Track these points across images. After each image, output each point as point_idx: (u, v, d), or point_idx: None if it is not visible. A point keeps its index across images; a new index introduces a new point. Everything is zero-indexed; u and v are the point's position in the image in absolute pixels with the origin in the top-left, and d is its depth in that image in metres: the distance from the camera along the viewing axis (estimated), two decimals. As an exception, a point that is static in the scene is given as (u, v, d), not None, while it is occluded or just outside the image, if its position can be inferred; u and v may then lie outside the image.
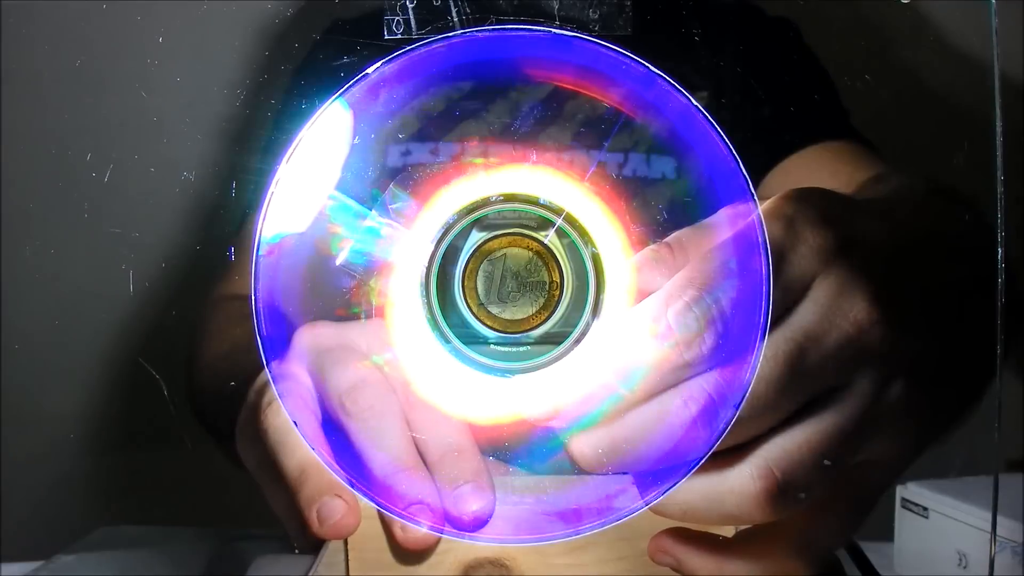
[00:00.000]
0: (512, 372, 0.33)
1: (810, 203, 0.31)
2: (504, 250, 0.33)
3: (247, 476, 0.38)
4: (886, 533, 0.49)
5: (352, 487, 0.32)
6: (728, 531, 0.34)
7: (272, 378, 0.31)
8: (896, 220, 0.36)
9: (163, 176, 0.56)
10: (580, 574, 0.35)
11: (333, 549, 0.35)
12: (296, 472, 0.34)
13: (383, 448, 0.33)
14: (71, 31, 0.60)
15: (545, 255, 0.33)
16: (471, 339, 0.33)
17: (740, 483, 0.29)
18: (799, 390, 0.29)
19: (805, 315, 0.29)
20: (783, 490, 0.29)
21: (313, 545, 0.34)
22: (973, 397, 0.36)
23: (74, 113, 0.60)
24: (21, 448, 0.58)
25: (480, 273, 0.33)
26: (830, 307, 0.30)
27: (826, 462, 0.31)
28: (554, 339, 0.33)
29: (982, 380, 0.36)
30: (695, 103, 0.30)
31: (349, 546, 0.36)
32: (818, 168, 0.54)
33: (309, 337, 0.35)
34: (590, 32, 0.31)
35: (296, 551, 0.35)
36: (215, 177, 0.57)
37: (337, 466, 0.32)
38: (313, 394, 0.34)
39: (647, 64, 0.30)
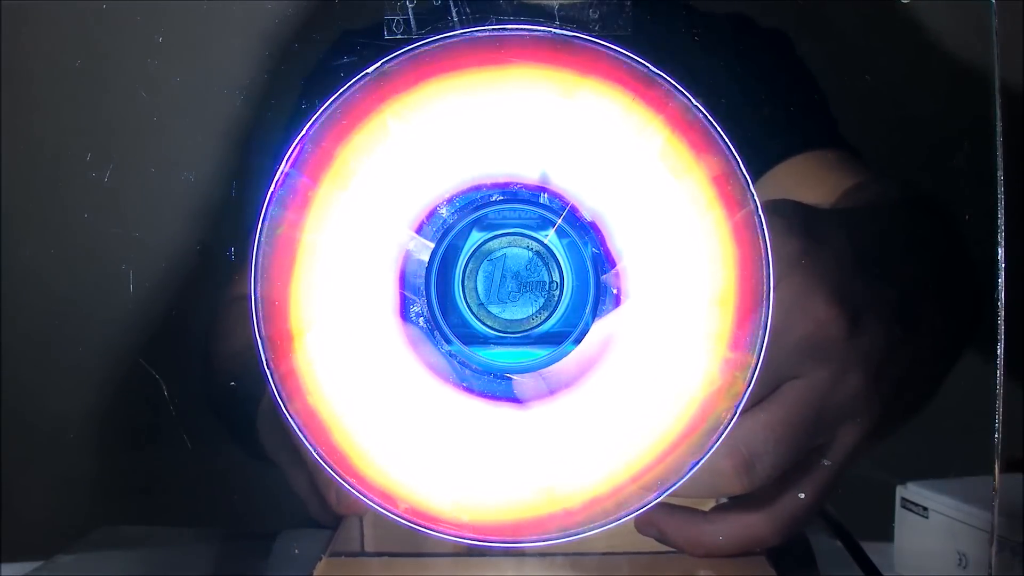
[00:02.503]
0: (512, 372, 0.33)
1: (777, 214, 0.34)
2: (504, 250, 0.33)
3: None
4: (886, 533, 0.49)
5: (339, 480, 0.32)
6: (706, 505, 0.37)
7: (271, 377, 0.32)
8: (863, 227, 0.40)
9: (163, 176, 0.56)
10: (574, 550, 0.36)
11: (349, 525, 0.38)
12: None
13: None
14: (71, 31, 0.60)
15: (545, 255, 0.33)
16: (471, 339, 0.33)
17: (713, 460, 0.31)
18: (763, 379, 0.32)
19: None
20: (750, 466, 0.33)
21: (332, 521, 0.38)
22: (930, 392, 0.41)
23: (74, 113, 0.60)
24: (21, 448, 0.58)
25: (480, 273, 0.33)
26: (792, 306, 0.33)
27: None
28: (554, 339, 0.33)
29: (939, 376, 0.41)
30: (695, 103, 0.30)
31: (364, 522, 0.39)
32: (805, 176, 0.56)
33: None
34: (590, 32, 0.31)
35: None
36: (216, 177, 0.57)
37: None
38: None
39: (647, 64, 0.30)
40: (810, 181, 0.55)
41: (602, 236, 0.32)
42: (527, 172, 0.32)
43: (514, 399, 0.32)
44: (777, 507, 0.35)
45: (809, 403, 0.34)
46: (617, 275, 0.32)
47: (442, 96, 0.31)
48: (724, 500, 0.37)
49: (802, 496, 0.36)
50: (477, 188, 0.32)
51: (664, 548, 0.36)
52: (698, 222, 0.30)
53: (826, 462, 0.36)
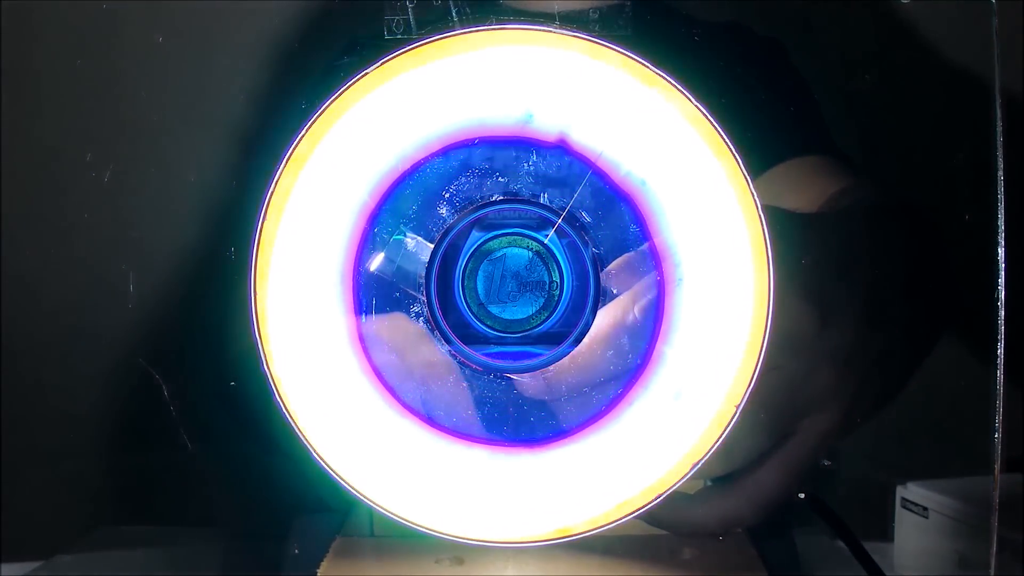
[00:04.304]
0: (512, 371, 0.33)
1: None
2: (504, 250, 0.33)
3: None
4: (886, 533, 0.49)
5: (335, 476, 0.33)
6: (691, 488, 0.38)
7: (270, 375, 0.32)
8: (841, 231, 0.43)
9: (163, 176, 0.56)
10: None
11: (360, 511, 0.40)
12: None
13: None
14: (71, 31, 0.60)
15: (545, 255, 0.33)
16: (471, 339, 0.33)
17: None
18: None
19: None
20: (728, 449, 0.34)
21: (344, 505, 0.40)
22: (899, 386, 0.43)
23: (74, 113, 0.60)
24: (21, 448, 0.58)
25: (480, 273, 0.33)
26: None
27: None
28: (554, 339, 0.33)
29: (907, 372, 0.44)
30: (695, 104, 0.30)
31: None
32: (795, 180, 0.57)
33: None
34: (590, 32, 0.31)
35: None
36: (216, 177, 0.57)
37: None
38: None
39: (647, 64, 0.30)
40: (800, 185, 0.56)
41: (634, 209, 0.31)
42: (546, 130, 0.31)
43: (484, 436, 0.33)
44: (754, 489, 0.38)
45: (783, 392, 0.36)
46: (612, 275, 0.32)
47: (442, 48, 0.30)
48: (708, 483, 0.39)
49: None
50: (468, 144, 0.32)
51: (653, 530, 0.38)
52: (736, 203, 0.31)
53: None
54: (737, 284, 0.31)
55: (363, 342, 0.34)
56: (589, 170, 0.31)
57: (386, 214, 0.32)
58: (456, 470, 0.32)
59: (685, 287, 0.31)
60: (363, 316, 0.34)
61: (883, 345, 0.41)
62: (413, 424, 0.32)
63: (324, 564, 0.37)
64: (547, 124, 0.31)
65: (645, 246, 0.32)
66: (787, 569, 0.42)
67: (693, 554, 0.38)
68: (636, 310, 0.32)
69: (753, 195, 0.30)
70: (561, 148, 0.31)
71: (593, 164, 0.31)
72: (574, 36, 0.30)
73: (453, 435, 0.32)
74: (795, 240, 0.37)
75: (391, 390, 0.33)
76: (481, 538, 0.32)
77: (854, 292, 0.39)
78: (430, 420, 0.33)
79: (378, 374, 0.33)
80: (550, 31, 0.30)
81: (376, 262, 0.32)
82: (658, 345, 0.31)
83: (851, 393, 0.39)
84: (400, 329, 0.35)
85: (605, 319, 0.32)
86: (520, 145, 0.31)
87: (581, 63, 0.30)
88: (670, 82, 0.30)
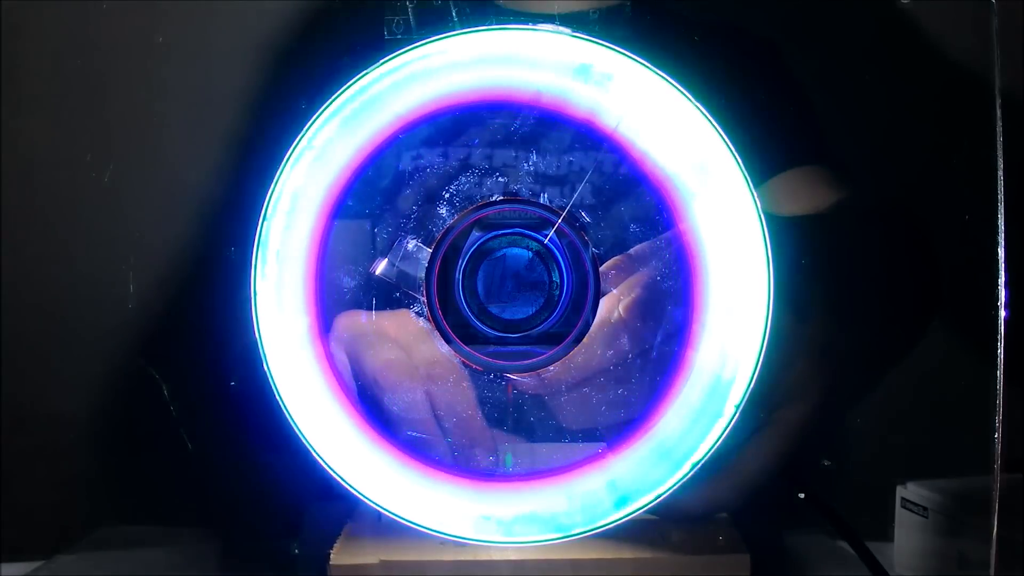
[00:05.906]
0: (512, 370, 0.33)
1: None
2: (504, 250, 0.33)
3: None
4: (886, 533, 0.49)
5: (344, 487, 0.33)
6: None
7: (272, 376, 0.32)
8: (818, 232, 0.45)
9: (163, 176, 0.56)
10: None
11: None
12: None
13: (408, 418, 0.36)
14: (71, 31, 0.60)
15: (545, 255, 0.33)
16: (471, 339, 0.33)
17: None
18: None
19: None
20: None
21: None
22: (875, 380, 0.45)
23: (74, 113, 0.60)
24: (21, 448, 0.58)
25: (480, 273, 0.33)
26: None
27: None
28: (554, 339, 0.33)
29: (885, 367, 0.46)
30: (695, 104, 0.30)
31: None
32: (798, 189, 0.58)
33: (346, 323, 0.37)
34: (590, 32, 0.31)
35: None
36: (216, 177, 0.57)
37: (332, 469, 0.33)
38: (349, 370, 0.37)
39: (648, 64, 0.30)
40: (803, 194, 0.57)
41: (647, 193, 0.32)
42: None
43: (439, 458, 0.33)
44: (736, 476, 0.40)
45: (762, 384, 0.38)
46: (610, 275, 0.32)
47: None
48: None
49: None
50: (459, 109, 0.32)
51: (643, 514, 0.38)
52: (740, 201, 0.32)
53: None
54: (741, 283, 0.31)
55: (362, 342, 0.34)
56: (603, 145, 0.32)
57: (387, 213, 0.32)
58: (454, 487, 0.32)
59: (702, 280, 0.31)
60: (363, 316, 0.34)
61: (857, 340, 0.42)
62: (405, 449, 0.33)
63: (336, 547, 0.38)
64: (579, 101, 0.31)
65: (636, 249, 0.32)
66: (769, 550, 0.43)
67: (680, 537, 0.40)
68: (621, 308, 0.33)
69: (753, 195, 0.30)
70: (588, 127, 0.31)
71: (609, 140, 0.31)
72: (575, 37, 0.30)
73: (445, 470, 0.33)
74: (775, 240, 0.37)
75: (371, 410, 0.33)
76: (480, 538, 0.32)
77: (829, 290, 0.41)
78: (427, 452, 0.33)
79: (362, 379, 0.33)
80: (551, 32, 0.30)
81: (379, 266, 0.32)
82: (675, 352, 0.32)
83: (826, 386, 0.40)
84: (401, 329, 0.35)
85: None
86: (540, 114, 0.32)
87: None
88: (671, 83, 0.30)
